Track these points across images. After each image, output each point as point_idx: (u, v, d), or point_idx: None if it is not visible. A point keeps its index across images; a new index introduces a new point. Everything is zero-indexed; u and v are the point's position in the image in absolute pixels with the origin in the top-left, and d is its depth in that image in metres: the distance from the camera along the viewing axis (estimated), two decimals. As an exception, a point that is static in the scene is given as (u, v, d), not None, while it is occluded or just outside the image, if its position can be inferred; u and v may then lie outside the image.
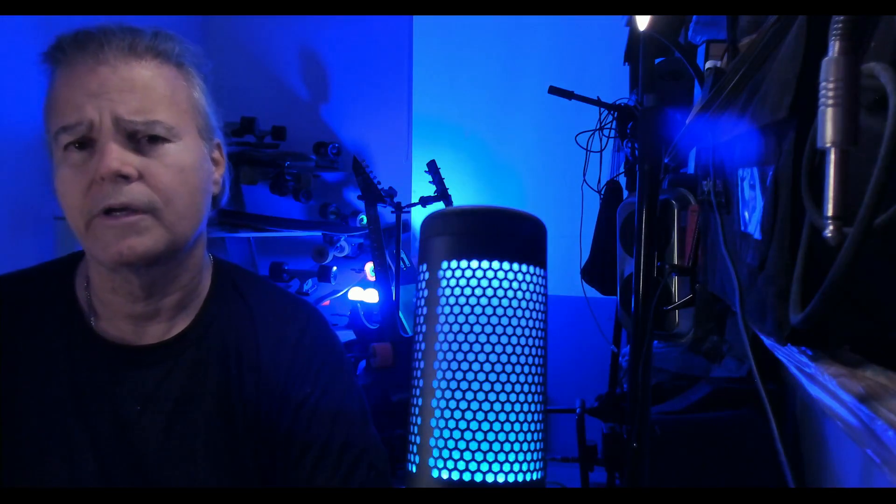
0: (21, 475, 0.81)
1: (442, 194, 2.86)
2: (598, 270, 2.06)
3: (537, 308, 0.48)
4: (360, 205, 3.12)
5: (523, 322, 0.47)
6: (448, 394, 0.46)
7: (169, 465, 0.84)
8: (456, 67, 3.43)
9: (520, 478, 0.46)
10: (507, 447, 0.46)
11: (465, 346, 0.46)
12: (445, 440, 0.45)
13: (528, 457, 0.46)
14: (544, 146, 3.24)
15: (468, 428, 0.45)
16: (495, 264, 0.47)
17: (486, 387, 0.46)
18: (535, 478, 0.47)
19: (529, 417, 0.47)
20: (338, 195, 3.55)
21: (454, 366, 0.46)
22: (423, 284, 0.49)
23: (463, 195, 3.15)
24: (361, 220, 3.33)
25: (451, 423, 0.45)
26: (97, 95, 0.75)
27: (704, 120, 1.00)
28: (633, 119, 1.89)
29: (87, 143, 0.76)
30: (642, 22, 1.23)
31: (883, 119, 0.43)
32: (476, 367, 0.46)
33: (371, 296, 3.15)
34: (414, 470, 0.47)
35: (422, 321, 0.49)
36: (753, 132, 0.76)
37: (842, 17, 0.45)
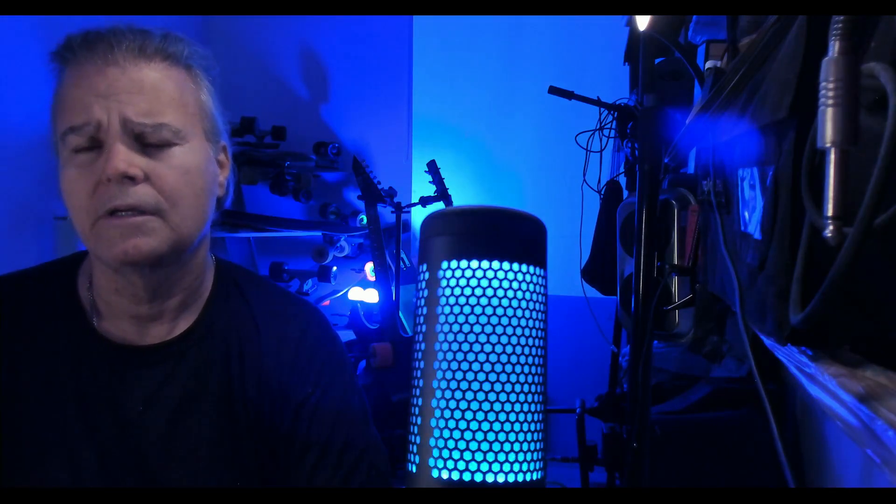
0: (22, 475, 0.81)
1: (442, 194, 2.86)
2: (598, 270, 2.06)
3: (537, 308, 0.48)
4: (360, 205, 3.12)
5: (523, 322, 0.47)
6: (448, 394, 0.46)
7: (171, 465, 0.84)
8: (456, 67, 3.43)
9: (520, 478, 0.46)
10: (507, 447, 0.46)
11: (465, 346, 0.46)
12: (445, 440, 0.46)
13: (528, 457, 0.46)
14: (544, 146, 3.24)
15: (468, 428, 0.45)
16: (495, 264, 0.47)
17: (486, 387, 0.46)
18: (535, 478, 0.47)
19: (529, 417, 0.47)
20: (338, 195, 3.55)
21: (454, 366, 0.46)
22: (423, 284, 0.49)
23: (463, 195, 3.15)
24: (361, 220, 3.33)
25: (451, 423, 0.45)
26: (106, 96, 0.76)
27: (704, 120, 1.00)
28: (633, 119, 1.89)
29: (94, 144, 0.76)
30: (642, 22, 1.23)
31: (883, 119, 0.43)
32: (476, 367, 0.46)
33: (371, 296, 3.15)
34: (414, 470, 0.47)
35: (422, 321, 0.49)
36: (753, 132, 0.76)
37: (842, 17, 0.45)
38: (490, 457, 0.45)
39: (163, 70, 0.80)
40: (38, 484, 0.81)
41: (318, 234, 3.40)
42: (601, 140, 2.06)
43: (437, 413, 0.46)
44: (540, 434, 0.48)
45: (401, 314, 2.99)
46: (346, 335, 3.19)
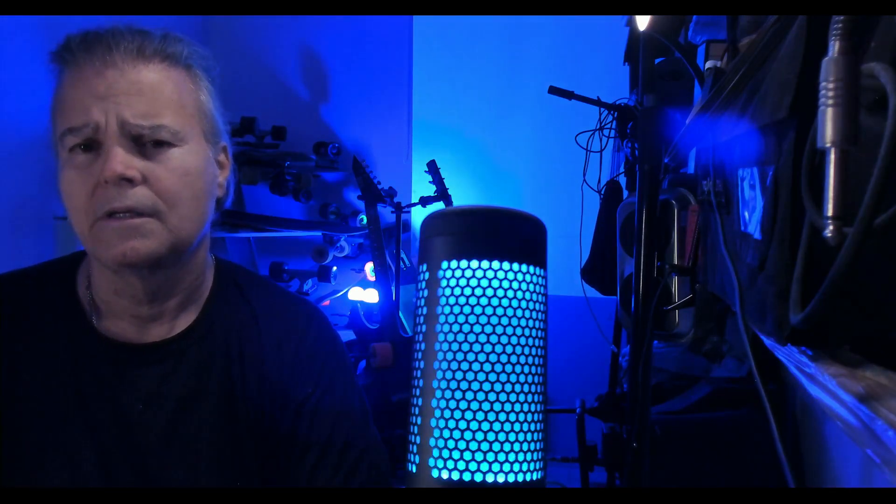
0: (22, 474, 0.81)
1: (442, 194, 2.86)
2: (598, 270, 2.06)
3: (537, 308, 0.48)
4: (360, 205, 3.12)
5: (523, 322, 0.47)
6: (448, 394, 0.46)
7: (171, 464, 0.84)
8: (456, 67, 3.42)
9: (520, 478, 0.46)
10: (507, 447, 0.46)
11: (465, 346, 0.46)
12: (445, 440, 0.46)
13: (528, 457, 0.47)
14: (544, 146, 3.24)
15: (468, 428, 0.45)
16: (495, 264, 0.47)
17: (486, 387, 0.46)
18: (535, 478, 0.47)
19: (529, 417, 0.47)
20: (338, 195, 3.55)
21: (454, 366, 0.46)
22: (423, 284, 0.49)
23: (463, 195, 3.14)
24: (361, 220, 3.33)
25: (451, 423, 0.45)
26: (104, 98, 0.75)
27: (704, 120, 1.00)
28: (633, 119, 1.89)
29: (92, 146, 0.76)
30: (642, 22, 1.23)
31: (883, 119, 0.43)
32: (476, 367, 0.46)
33: (371, 296, 3.15)
34: (414, 470, 0.47)
35: (422, 321, 0.49)
36: (753, 132, 0.76)
37: (842, 17, 0.45)
38: (490, 457, 0.45)
39: (161, 71, 0.79)
40: (37, 483, 0.81)
41: (318, 234, 3.40)
42: (601, 140, 2.06)
43: (437, 413, 0.46)
44: (540, 434, 0.48)
45: (401, 314, 2.99)
46: (346, 335, 3.19)
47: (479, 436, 0.45)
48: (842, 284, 0.46)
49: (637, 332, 1.21)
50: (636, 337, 1.21)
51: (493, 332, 0.46)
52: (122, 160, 0.75)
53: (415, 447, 0.47)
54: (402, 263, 3.04)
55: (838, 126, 0.44)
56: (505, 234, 0.48)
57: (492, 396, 0.46)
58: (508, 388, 0.46)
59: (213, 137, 0.85)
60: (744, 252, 0.81)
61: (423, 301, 0.49)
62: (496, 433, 0.45)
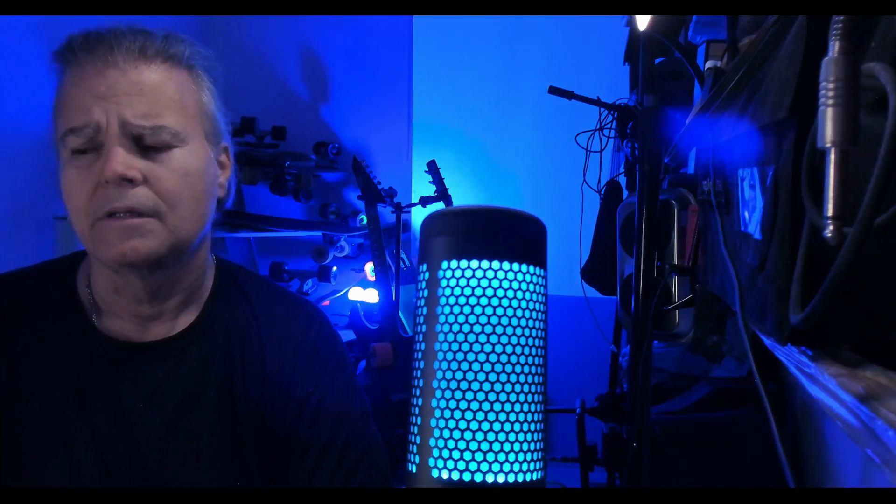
0: (22, 473, 0.81)
1: (442, 194, 2.86)
2: (598, 270, 2.06)
3: (537, 308, 0.48)
4: (360, 205, 3.12)
5: (523, 322, 0.47)
6: (448, 394, 0.46)
7: (172, 463, 0.84)
8: (456, 67, 3.42)
9: (520, 478, 0.46)
10: (507, 447, 0.46)
11: (465, 346, 0.46)
12: (445, 440, 0.46)
13: (528, 457, 0.47)
14: (544, 146, 3.24)
15: (468, 428, 0.45)
16: (495, 264, 0.47)
17: (486, 387, 0.46)
18: (535, 478, 0.47)
19: (529, 417, 0.47)
20: (338, 195, 3.55)
21: (454, 366, 0.46)
22: (423, 284, 0.49)
23: (463, 195, 3.14)
24: (361, 220, 3.33)
25: (451, 423, 0.45)
26: (105, 98, 0.75)
27: (704, 120, 1.00)
28: (633, 119, 1.89)
29: (93, 146, 0.76)
30: (642, 22, 1.23)
31: (883, 119, 0.43)
32: (476, 367, 0.46)
33: (371, 296, 3.15)
34: (414, 470, 0.47)
35: (422, 321, 0.49)
36: (753, 132, 0.76)
37: (842, 17, 0.45)
38: (490, 457, 0.45)
39: (163, 72, 0.79)
40: (37, 482, 0.81)
41: (318, 234, 3.40)
42: (601, 140, 2.06)
43: (437, 413, 0.46)
44: (540, 434, 0.48)
45: (401, 314, 2.99)
46: (346, 335, 3.19)
47: (479, 436, 0.45)
48: (842, 284, 0.46)
49: (637, 332, 1.21)
50: (636, 337, 1.21)
51: (493, 332, 0.46)
52: (122, 160, 0.75)
53: (415, 447, 0.47)
54: (402, 263, 3.04)
55: (838, 126, 0.44)
56: (505, 234, 0.48)
57: (492, 396, 0.46)
58: (508, 388, 0.46)
59: (214, 138, 0.85)
60: (744, 252, 0.81)
61: (423, 301, 0.49)
62: (496, 433, 0.45)
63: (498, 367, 0.46)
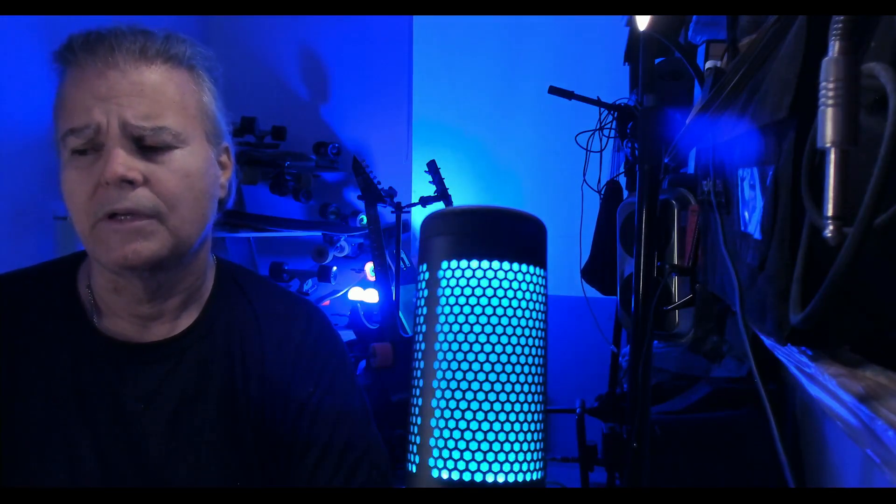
0: (23, 473, 0.81)
1: (442, 194, 2.86)
2: (598, 270, 2.06)
3: (537, 308, 0.48)
4: (360, 205, 3.12)
5: (523, 322, 0.47)
6: (448, 394, 0.46)
7: (172, 463, 0.84)
8: (456, 67, 3.42)
9: (520, 478, 0.46)
10: (507, 447, 0.46)
11: (465, 346, 0.46)
12: (445, 440, 0.46)
13: (528, 457, 0.46)
14: (544, 146, 3.24)
15: (468, 428, 0.45)
16: (495, 264, 0.47)
17: (486, 387, 0.46)
18: (535, 478, 0.47)
19: (529, 417, 0.47)
20: (338, 195, 3.55)
21: (454, 366, 0.46)
22: (423, 284, 0.49)
23: (463, 195, 3.14)
24: (361, 220, 3.33)
25: (451, 423, 0.45)
26: (106, 99, 0.75)
27: (704, 120, 1.00)
28: (633, 119, 1.89)
29: (94, 147, 0.76)
30: (642, 22, 1.23)
31: (883, 119, 0.43)
32: (476, 367, 0.46)
33: (371, 296, 3.15)
34: (414, 470, 0.47)
35: (422, 321, 0.49)
36: (753, 132, 0.76)
37: (842, 17, 0.45)
38: (490, 457, 0.45)
39: (164, 72, 0.79)
40: (38, 482, 0.81)
41: (318, 234, 3.40)
42: (601, 140, 2.06)
43: (437, 413, 0.46)
44: (540, 434, 0.48)
45: (401, 314, 2.99)
46: (346, 335, 3.19)
47: (479, 436, 0.45)
48: (842, 284, 0.46)
49: (637, 332, 1.21)
50: (636, 337, 1.21)
51: (493, 332, 0.46)
52: (122, 161, 0.75)
53: (415, 447, 0.47)
54: (402, 263, 3.04)
55: (838, 126, 0.44)
56: (505, 234, 0.48)
57: (492, 396, 0.46)
58: (508, 388, 0.46)
59: (215, 139, 0.85)
60: (744, 252, 0.81)
61: (423, 301, 0.49)
62: (496, 433, 0.45)
63: (498, 367, 0.46)
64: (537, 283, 0.49)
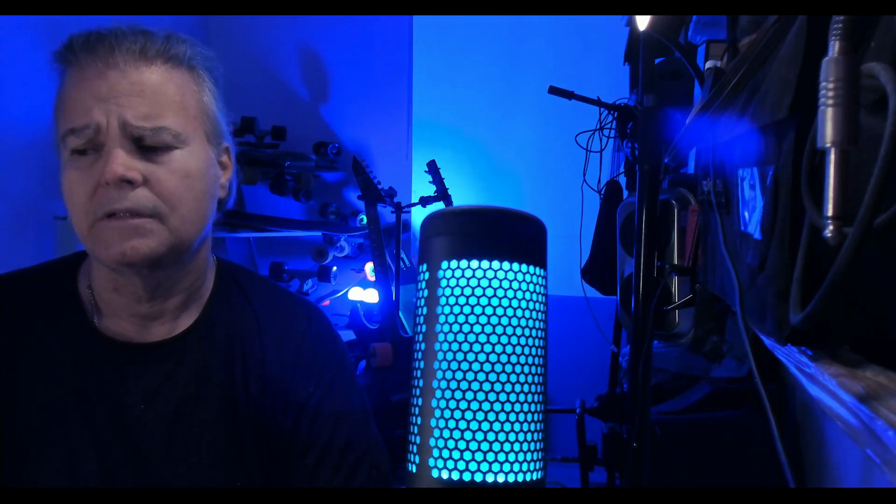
0: (23, 473, 0.81)
1: (442, 194, 2.86)
2: (598, 270, 2.06)
3: (537, 308, 0.48)
4: (360, 205, 3.12)
5: (523, 322, 0.47)
6: (448, 394, 0.46)
7: (173, 463, 0.84)
8: (456, 67, 3.43)
9: (520, 478, 0.46)
10: (507, 447, 0.46)
11: (465, 346, 0.46)
12: (445, 440, 0.45)
13: (528, 457, 0.46)
14: (544, 146, 3.24)
15: (468, 428, 0.45)
16: (495, 264, 0.47)
17: (486, 387, 0.46)
18: (535, 478, 0.47)
19: (529, 417, 0.47)
20: (338, 195, 3.55)
21: (454, 366, 0.46)
22: (423, 284, 0.49)
23: (463, 195, 3.14)
24: (361, 220, 3.33)
25: (451, 423, 0.45)
26: (105, 99, 0.75)
27: (704, 120, 1.00)
28: (633, 119, 1.89)
29: (94, 147, 0.76)
30: (642, 22, 1.23)
31: (883, 119, 0.43)
32: (476, 367, 0.46)
33: (371, 296, 3.15)
34: (414, 470, 0.47)
35: (422, 321, 0.49)
36: (753, 132, 0.76)
37: (842, 17, 0.45)
38: (490, 457, 0.45)
39: (164, 73, 0.79)
40: (38, 482, 0.81)
41: (318, 234, 3.40)
42: (601, 140, 2.06)
43: (437, 413, 0.46)
44: (540, 434, 0.48)
45: (401, 314, 2.99)
46: (346, 335, 3.19)
47: (479, 436, 0.45)
48: (842, 284, 0.46)
49: (637, 332, 1.21)
50: (636, 337, 1.21)
51: (493, 332, 0.46)
52: (122, 162, 0.75)
53: (415, 447, 0.47)
54: (402, 263, 3.04)
55: (838, 126, 0.44)
56: (505, 234, 0.48)
57: (492, 396, 0.46)
58: (508, 388, 0.46)
59: (215, 139, 0.85)
60: (744, 252, 0.81)
61: (423, 301, 0.49)
62: (496, 433, 0.45)
63: (498, 367, 0.46)
64: (537, 283, 0.49)
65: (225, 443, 0.87)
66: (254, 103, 3.29)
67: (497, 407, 0.46)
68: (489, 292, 0.47)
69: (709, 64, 1.20)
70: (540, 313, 0.49)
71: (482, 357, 0.46)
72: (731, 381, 1.74)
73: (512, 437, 0.46)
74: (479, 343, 0.46)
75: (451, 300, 0.47)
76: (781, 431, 0.63)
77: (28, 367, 0.84)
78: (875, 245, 0.49)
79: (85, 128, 0.75)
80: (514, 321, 0.47)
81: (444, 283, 0.47)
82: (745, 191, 0.81)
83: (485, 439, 0.45)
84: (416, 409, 0.48)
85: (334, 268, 3.31)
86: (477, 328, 0.46)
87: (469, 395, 0.45)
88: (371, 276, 3.17)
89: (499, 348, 0.46)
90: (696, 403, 1.72)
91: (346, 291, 3.36)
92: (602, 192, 2.13)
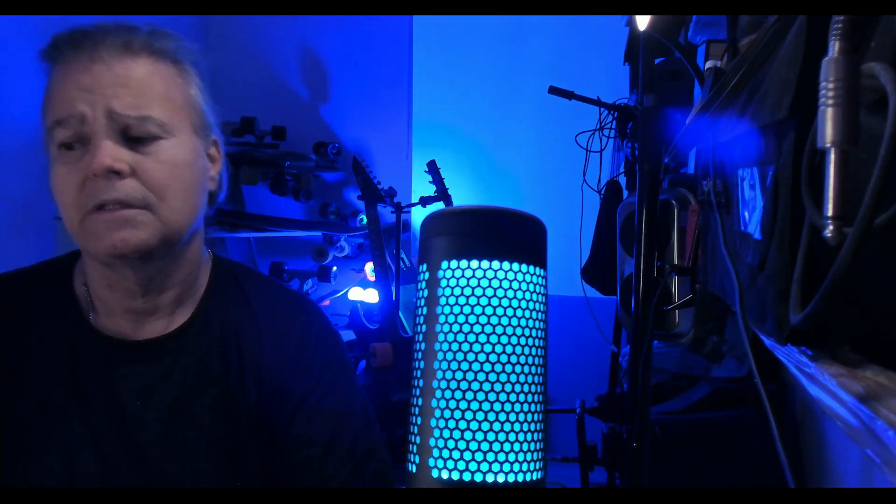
0: (20, 471, 0.81)
1: (442, 194, 2.86)
2: (598, 270, 2.06)
3: (537, 308, 0.48)
4: (360, 205, 3.12)
5: (523, 322, 0.47)
6: (448, 394, 0.46)
7: (170, 460, 0.84)
8: (456, 67, 3.43)
9: (520, 478, 0.46)
10: (507, 447, 0.46)
11: (465, 346, 0.46)
12: (445, 440, 0.46)
13: (528, 457, 0.46)
14: (544, 146, 3.24)
15: (468, 428, 0.45)
16: (495, 264, 0.47)
17: (486, 387, 0.46)
18: (535, 478, 0.47)
19: (529, 417, 0.47)
20: (338, 195, 3.55)
21: (454, 366, 0.46)
22: (423, 284, 0.49)
23: (463, 195, 3.14)
24: (361, 220, 3.33)
25: (451, 423, 0.45)
26: (91, 91, 0.76)
27: (704, 120, 1.00)
28: (633, 119, 1.89)
29: (81, 140, 0.77)
30: (642, 22, 1.23)
31: (883, 119, 0.43)
32: (476, 367, 0.46)
33: (371, 296, 3.15)
34: (414, 470, 0.47)
35: (422, 321, 0.49)
36: (753, 132, 0.76)
37: (842, 17, 0.45)
38: (490, 457, 0.45)
39: (149, 65, 0.80)
40: (35, 479, 0.81)
41: (318, 234, 3.40)
42: (601, 140, 2.06)
43: (437, 413, 0.46)
44: (540, 434, 0.48)
45: (401, 314, 2.99)
46: (346, 335, 3.19)
47: (479, 436, 0.45)
48: (842, 284, 0.46)
49: (637, 332, 1.21)
50: (636, 337, 1.21)
51: (493, 332, 0.46)
52: (110, 153, 0.75)
53: (415, 447, 0.47)
54: (402, 263, 3.04)
55: (838, 126, 0.44)
56: (505, 234, 0.48)
57: (492, 396, 0.46)
58: (508, 388, 0.46)
59: (202, 131, 0.86)
60: (744, 252, 0.81)
61: (423, 301, 0.49)
62: (496, 433, 0.45)
63: (498, 367, 0.46)
64: (537, 283, 0.49)
65: (222, 439, 0.87)
66: (254, 103, 3.29)
67: (497, 407, 0.46)
68: (489, 292, 0.47)
69: (709, 64, 1.20)
70: (540, 313, 0.49)
71: (482, 357, 0.46)
72: (731, 381, 1.74)
73: (512, 437, 0.46)
74: (479, 343, 0.46)
75: (451, 300, 0.47)
76: (781, 431, 0.63)
77: (25, 367, 0.84)
78: (875, 245, 0.49)
79: (69, 118, 0.75)
80: (514, 321, 0.47)
81: (444, 283, 0.47)
82: (745, 191, 0.81)
83: (485, 439, 0.45)
84: (416, 409, 0.48)
85: (334, 268, 3.31)
86: (477, 328, 0.46)
87: (469, 395, 0.45)
88: (371, 276, 3.17)
89: (499, 348, 0.46)
90: (696, 403, 1.72)
91: (346, 291, 3.36)
92: (602, 192, 2.13)
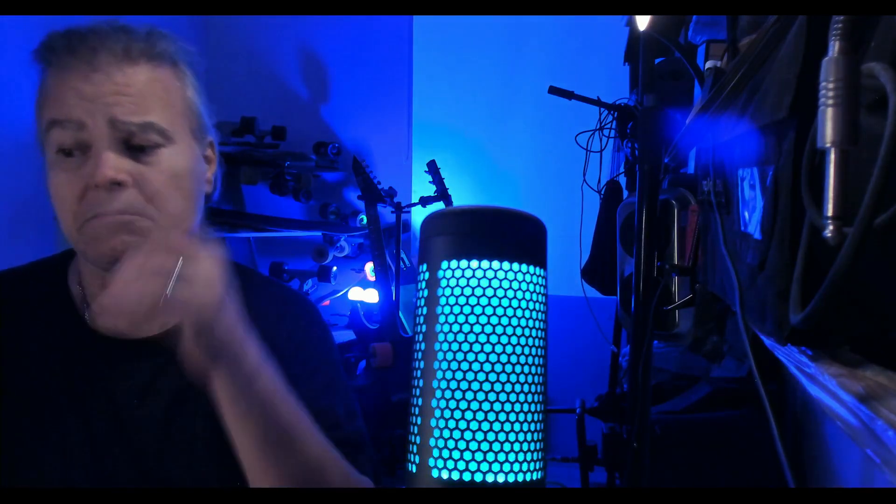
0: (17, 469, 0.81)
1: (442, 194, 2.86)
2: (598, 270, 2.06)
3: (537, 308, 0.48)
4: (360, 205, 3.12)
5: (523, 322, 0.47)
6: (448, 394, 0.46)
7: (168, 458, 0.84)
8: (456, 67, 3.42)
9: (520, 478, 0.46)
10: (507, 447, 0.46)
11: (465, 346, 0.46)
12: (445, 440, 0.46)
13: (528, 457, 0.47)
14: (544, 146, 3.24)
15: (468, 428, 0.45)
16: (495, 264, 0.47)
17: (486, 387, 0.46)
18: (534, 478, 0.47)
19: (529, 417, 0.47)
20: (338, 195, 3.55)
21: (454, 366, 0.46)
22: (423, 284, 0.49)
23: (463, 195, 3.14)
24: (361, 220, 3.33)
25: (451, 423, 0.45)
26: (91, 100, 0.75)
27: (704, 120, 1.00)
28: (633, 119, 1.89)
29: (81, 148, 0.76)
30: (642, 22, 1.23)
31: (883, 119, 0.43)
32: (476, 367, 0.46)
33: (371, 296, 3.15)
34: (414, 470, 0.47)
35: (422, 321, 0.49)
36: (753, 132, 0.76)
37: (842, 17, 0.45)
38: (490, 457, 0.45)
39: (149, 71, 0.79)
40: (31, 477, 0.81)
41: (318, 234, 3.40)
42: (601, 140, 2.06)
43: (437, 413, 0.46)
44: (540, 434, 0.48)
45: (401, 314, 2.99)
46: (347, 335, 3.19)
47: (479, 436, 0.45)
48: (842, 284, 0.46)
49: (637, 332, 1.21)
50: (636, 337, 1.21)
51: (493, 332, 0.46)
52: (112, 164, 0.75)
53: (415, 447, 0.47)
54: (402, 263, 3.04)
55: (838, 126, 0.44)
56: (505, 234, 0.48)
57: (492, 396, 0.46)
58: (508, 388, 0.46)
59: (200, 134, 0.86)
60: (744, 252, 0.81)
61: (423, 301, 0.49)
62: (496, 433, 0.45)
63: (498, 367, 0.46)
64: (537, 283, 0.49)
65: (219, 436, 0.86)
66: (254, 103, 3.29)
67: (497, 407, 0.46)
68: (489, 292, 0.47)
69: (709, 64, 1.20)
70: (540, 313, 0.49)
71: (482, 357, 0.46)
72: (731, 381, 1.74)
73: (512, 437, 0.46)
74: (479, 343, 0.46)
75: (451, 300, 0.47)
76: (781, 431, 0.63)
77: (21, 364, 0.84)
78: (875, 245, 0.49)
79: (67, 121, 0.75)
80: (514, 321, 0.47)
81: (444, 283, 0.47)
82: (745, 191, 0.81)
83: (485, 439, 0.45)
84: (416, 409, 0.48)
85: (334, 268, 3.31)
86: (477, 328, 0.46)
87: (469, 395, 0.46)
88: (371, 276, 3.17)
89: (499, 348, 0.46)
90: (696, 403, 1.72)
91: (346, 291, 3.36)
92: (602, 192, 2.13)
